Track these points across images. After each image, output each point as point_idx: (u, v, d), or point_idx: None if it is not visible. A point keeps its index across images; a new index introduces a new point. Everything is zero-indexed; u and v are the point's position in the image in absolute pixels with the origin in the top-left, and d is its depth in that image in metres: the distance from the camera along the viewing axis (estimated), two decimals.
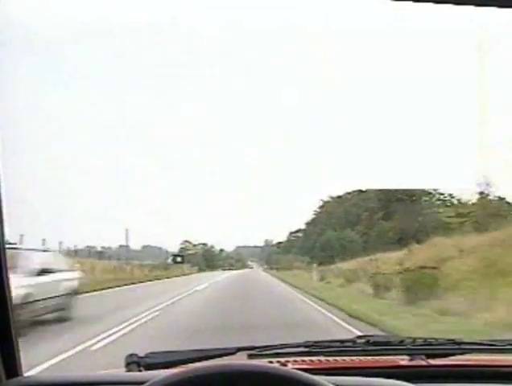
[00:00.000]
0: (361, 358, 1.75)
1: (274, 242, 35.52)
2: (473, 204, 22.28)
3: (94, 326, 9.22)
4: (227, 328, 8.29)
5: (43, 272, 9.38)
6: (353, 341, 1.78)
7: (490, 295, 10.62)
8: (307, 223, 32.75)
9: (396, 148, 18.02)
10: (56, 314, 9.80)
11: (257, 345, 1.71)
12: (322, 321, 10.33)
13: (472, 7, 1.38)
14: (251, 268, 35.42)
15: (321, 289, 17.70)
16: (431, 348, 1.73)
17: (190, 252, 31.86)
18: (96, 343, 7.73)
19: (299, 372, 1.12)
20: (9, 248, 1.51)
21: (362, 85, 16.03)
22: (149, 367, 1.61)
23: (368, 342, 1.75)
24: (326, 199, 31.66)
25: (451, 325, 9.06)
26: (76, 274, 11.65)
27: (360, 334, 5.05)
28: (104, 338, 8.09)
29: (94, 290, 15.76)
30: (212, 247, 34.30)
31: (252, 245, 37.11)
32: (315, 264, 24.69)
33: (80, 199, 22.33)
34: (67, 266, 11.37)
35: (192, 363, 1.60)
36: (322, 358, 1.72)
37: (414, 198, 26.21)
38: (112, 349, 7.12)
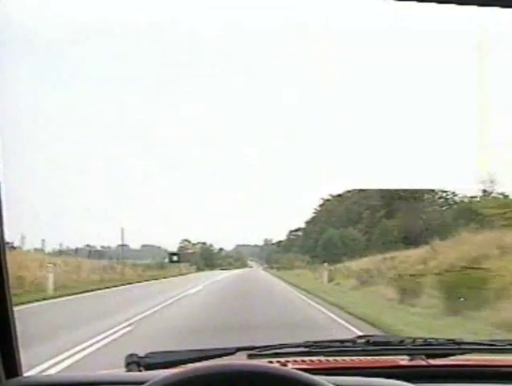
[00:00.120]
0: (361, 358, 1.75)
1: (274, 241, 35.47)
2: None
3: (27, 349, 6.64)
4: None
5: None
6: (353, 341, 1.78)
7: None
8: (307, 222, 32.69)
9: (396, 148, 18.00)
10: None
11: (257, 345, 1.71)
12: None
13: (472, 7, 1.38)
14: (251, 267, 35.38)
15: (331, 292, 15.54)
16: (431, 348, 1.73)
17: (189, 251, 31.76)
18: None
19: (299, 372, 1.12)
20: None
21: (362, 85, 16.02)
22: (149, 367, 1.61)
23: (368, 342, 1.75)
24: (326, 197, 31.61)
25: None
26: None
27: None
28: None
29: (72, 293, 14.54)
30: (210, 246, 34.13)
31: (252, 244, 37.10)
32: (325, 263, 22.10)
33: (80, 199, 22.32)
34: None
35: (191, 363, 1.60)
36: (322, 358, 1.72)
37: (415, 195, 26.08)
38: None
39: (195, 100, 20.06)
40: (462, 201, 24.56)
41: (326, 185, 26.24)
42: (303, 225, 33.14)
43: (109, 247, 28.95)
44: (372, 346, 1.74)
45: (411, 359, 1.68)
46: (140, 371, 1.60)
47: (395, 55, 14.07)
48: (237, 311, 11.04)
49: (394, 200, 26.18)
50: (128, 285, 19.55)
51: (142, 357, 1.63)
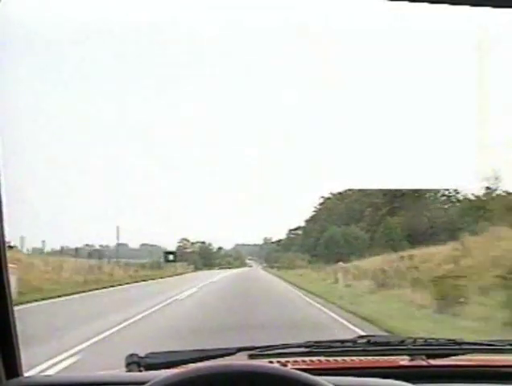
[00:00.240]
0: (362, 358, 1.75)
1: (274, 240, 35.43)
2: None
3: None
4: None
5: None
6: (353, 341, 1.77)
7: None
8: (307, 221, 32.60)
9: (395, 148, 17.99)
10: None
11: (257, 345, 1.71)
12: None
13: (472, 7, 1.38)
14: (250, 266, 35.33)
15: (345, 295, 13.51)
16: (432, 348, 1.73)
17: (188, 250, 31.64)
18: None
19: (300, 372, 1.12)
20: None
21: (362, 85, 16.02)
22: (149, 367, 1.61)
23: (368, 343, 1.75)
24: (326, 195, 31.53)
25: None
26: None
27: None
28: None
29: (43, 299, 12.90)
30: (209, 245, 33.91)
31: (251, 243, 37.08)
32: (341, 262, 19.98)
33: (80, 199, 22.33)
34: None
35: (192, 363, 1.60)
36: (322, 358, 1.72)
37: (418, 193, 25.95)
38: None
39: (195, 100, 20.08)
40: (465, 198, 24.46)
41: (326, 185, 26.28)
42: (302, 224, 33.13)
43: (107, 246, 28.92)
44: (372, 346, 1.74)
45: (412, 360, 1.68)
46: (140, 371, 1.60)
47: (395, 55, 14.08)
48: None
49: (396, 198, 26.03)
50: (111, 289, 17.68)
51: (142, 357, 1.63)
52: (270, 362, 1.61)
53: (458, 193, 25.69)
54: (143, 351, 1.63)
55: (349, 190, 29.98)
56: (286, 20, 10.49)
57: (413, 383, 1.42)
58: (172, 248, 29.45)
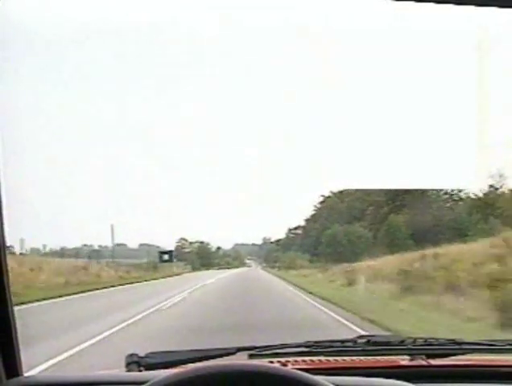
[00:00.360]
0: (362, 358, 1.75)
1: (273, 239, 35.37)
2: None
3: None
4: None
5: None
6: (353, 341, 1.77)
7: None
8: (307, 220, 32.47)
9: (395, 148, 18.00)
10: None
11: (257, 345, 1.71)
12: None
13: (472, 7, 1.38)
14: (249, 266, 35.28)
15: (369, 303, 11.20)
16: (432, 348, 1.73)
17: (186, 250, 31.53)
18: None
19: (300, 372, 1.12)
20: None
21: (362, 85, 16.02)
22: (149, 367, 1.61)
23: (368, 342, 1.75)
24: (327, 194, 31.42)
25: None
26: None
27: None
28: None
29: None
30: (207, 244, 33.69)
31: (250, 243, 37.03)
32: (350, 263, 18.17)
33: (80, 199, 22.32)
34: None
35: (192, 363, 1.60)
36: (322, 358, 1.72)
37: (420, 191, 25.83)
38: None
39: (195, 100, 20.06)
40: (468, 197, 24.39)
41: (326, 185, 26.25)
42: (302, 223, 33.06)
43: (106, 247, 28.89)
44: (372, 346, 1.74)
45: (412, 359, 1.68)
46: (140, 371, 1.60)
47: (395, 55, 14.07)
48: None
49: (398, 196, 25.87)
50: (95, 291, 16.07)
51: (142, 357, 1.63)
52: (270, 362, 1.61)
53: (460, 191, 25.63)
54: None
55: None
56: (286, 20, 10.50)
57: (413, 383, 1.42)
58: (171, 248, 29.34)
